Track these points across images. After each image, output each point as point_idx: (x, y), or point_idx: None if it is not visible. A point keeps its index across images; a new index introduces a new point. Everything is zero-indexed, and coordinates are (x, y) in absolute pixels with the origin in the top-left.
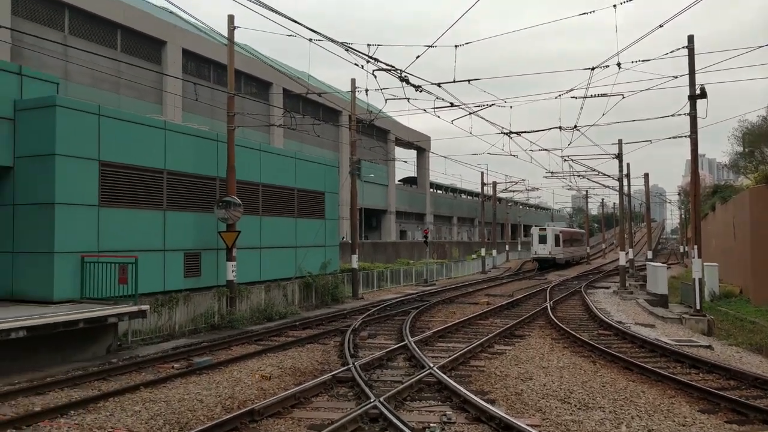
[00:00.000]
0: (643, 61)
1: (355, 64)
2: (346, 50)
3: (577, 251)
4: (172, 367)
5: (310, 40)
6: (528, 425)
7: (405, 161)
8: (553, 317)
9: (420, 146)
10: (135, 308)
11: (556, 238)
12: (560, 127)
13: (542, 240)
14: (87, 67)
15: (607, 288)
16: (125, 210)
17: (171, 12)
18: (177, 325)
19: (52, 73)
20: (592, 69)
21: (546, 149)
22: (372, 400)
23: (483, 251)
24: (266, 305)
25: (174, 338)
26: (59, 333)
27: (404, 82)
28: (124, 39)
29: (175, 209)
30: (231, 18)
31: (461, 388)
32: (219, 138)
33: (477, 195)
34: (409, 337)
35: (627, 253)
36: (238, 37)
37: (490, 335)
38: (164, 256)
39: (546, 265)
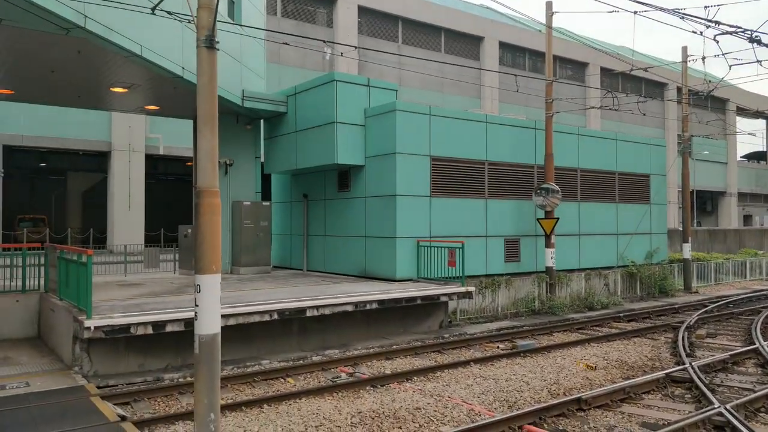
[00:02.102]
0: None
1: (692, 32)
2: (681, 18)
3: None
4: (498, 347)
5: (636, 12)
6: None
7: (752, 134)
8: None
9: None
10: (463, 289)
11: None
12: None
13: None
14: (416, 72)
15: None
16: (452, 199)
17: (488, 8)
18: (499, 307)
19: (389, 80)
20: None
21: None
22: (716, 406)
23: None
24: (587, 294)
25: (497, 320)
26: (401, 307)
27: (755, 43)
28: (446, 40)
29: (495, 197)
30: (549, 4)
31: None
32: (536, 126)
33: None
34: (761, 340)
35: None
36: (554, 21)
37: None
38: (486, 242)
39: None
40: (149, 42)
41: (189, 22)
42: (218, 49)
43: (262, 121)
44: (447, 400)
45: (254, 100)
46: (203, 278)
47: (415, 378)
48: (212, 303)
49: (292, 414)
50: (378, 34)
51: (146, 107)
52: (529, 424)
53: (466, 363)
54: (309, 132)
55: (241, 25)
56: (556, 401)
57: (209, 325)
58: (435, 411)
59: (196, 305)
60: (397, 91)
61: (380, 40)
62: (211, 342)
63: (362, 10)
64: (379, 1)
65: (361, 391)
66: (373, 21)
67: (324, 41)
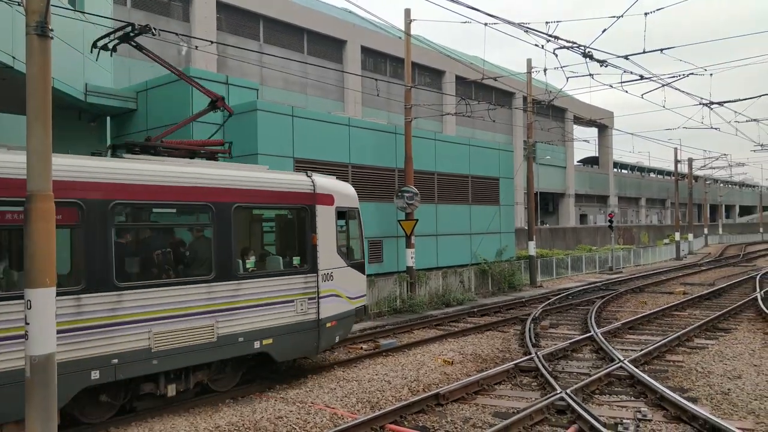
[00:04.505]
0: None
1: (535, 45)
2: (525, 31)
3: None
4: (361, 348)
5: (486, 24)
6: (739, 428)
7: (586, 141)
8: (764, 309)
9: (602, 123)
10: None
11: None
12: None
13: None
14: (279, 71)
15: None
16: None
17: (350, 12)
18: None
19: (250, 79)
20: None
21: (755, 119)
22: (558, 392)
23: (677, 235)
24: (444, 291)
25: (361, 320)
26: None
27: (588, 58)
28: (309, 42)
29: (359, 200)
30: (407, 11)
31: (657, 384)
32: (397, 130)
33: (669, 173)
34: (595, 328)
35: None
36: (413, 28)
37: (689, 328)
38: None
39: None
40: None
41: (19, 5)
42: (52, 38)
43: (108, 118)
44: (310, 407)
45: (99, 95)
46: (35, 293)
47: (278, 386)
48: (46, 319)
49: None
50: (239, 31)
51: None
52: (390, 423)
53: (329, 367)
54: (162, 131)
55: (83, 13)
56: (415, 398)
57: (43, 344)
58: (297, 419)
59: (27, 323)
60: (258, 90)
61: (241, 38)
62: (46, 363)
63: (221, 6)
64: None
65: (220, 404)
66: (234, 18)
67: (177, 34)
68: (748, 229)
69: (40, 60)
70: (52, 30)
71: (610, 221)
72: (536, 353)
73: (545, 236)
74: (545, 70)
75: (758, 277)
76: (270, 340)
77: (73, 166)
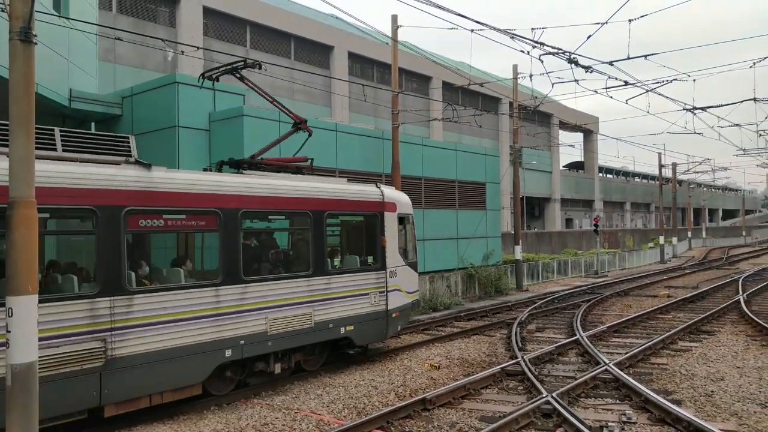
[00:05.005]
0: None
1: (521, 51)
2: (511, 38)
3: None
4: (349, 353)
5: (472, 30)
6: (722, 430)
7: (572, 146)
8: (747, 311)
9: (587, 128)
10: None
11: None
12: (755, 99)
13: None
14: (266, 75)
15: None
16: None
17: (337, 18)
18: None
19: (237, 85)
20: None
21: (738, 124)
22: (544, 395)
23: (661, 239)
24: (431, 295)
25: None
26: None
27: (573, 64)
28: (296, 47)
29: None
30: (395, 18)
31: (642, 387)
32: (384, 136)
33: (653, 178)
34: (581, 332)
35: None
36: (400, 35)
37: (673, 331)
38: None
39: None
40: None
41: (2, 10)
42: (36, 43)
43: (93, 124)
44: (296, 413)
45: (84, 100)
46: (17, 300)
47: (263, 393)
48: (29, 327)
49: None
50: (225, 37)
51: None
52: (377, 429)
53: (315, 372)
54: (148, 136)
55: (68, 18)
56: (402, 403)
57: (25, 352)
58: (284, 425)
59: (8, 331)
60: (244, 96)
61: (228, 44)
62: (27, 372)
63: (208, 12)
64: (226, 3)
65: (205, 411)
66: (220, 23)
67: (164, 40)
68: (731, 232)
69: (23, 66)
70: (35, 35)
71: (596, 225)
72: (522, 357)
73: (531, 240)
74: (531, 76)
75: (741, 279)
76: (351, 327)
77: (213, 181)
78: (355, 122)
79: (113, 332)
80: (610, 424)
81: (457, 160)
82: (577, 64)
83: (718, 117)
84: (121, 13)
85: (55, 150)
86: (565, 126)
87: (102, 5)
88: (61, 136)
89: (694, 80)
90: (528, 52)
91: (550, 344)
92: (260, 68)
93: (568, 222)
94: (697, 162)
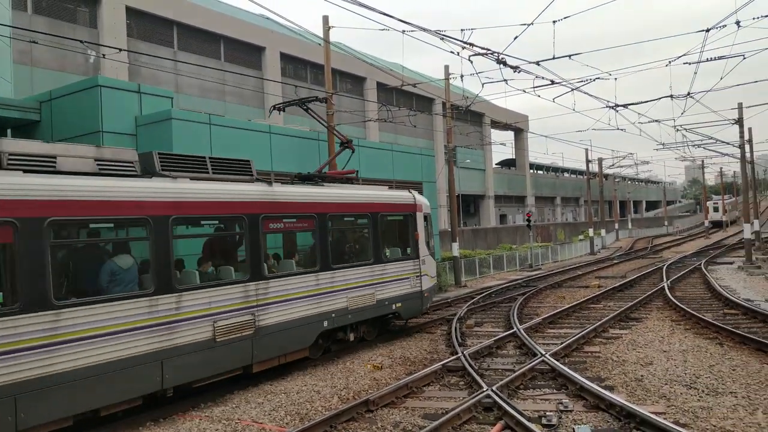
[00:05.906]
0: (765, 16)
1: (451, 52)
2: (441, 39)
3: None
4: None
5: (403, 31)
6: (652, 413)
7: (503, 144)
8: (671, 297)
9: (518, 127)
10: None
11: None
12: (672, 96)
13: (716, 209)
14: (196, 78)
15: (731, 263)
16: None
17: (268, 18)
18: None
19: (165, 88)
20: (707, 31)
21: (657, 120)
22: (485, 389)
23: (590, 231)
24: None
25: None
26: None
27: (502, 65)
28: (226, 48)
29: None
30: (326, 18)
31: (577, 375)
32: (319, 137)
33: (581, 173)
34: (518, 324)
35: (752, 225)
36: (332, 35)
37: (604, 319)
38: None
39: (717, 225)
40: None
41: None
42: None
43: (9, 130)
44: (237, 423)
45: None
46: None
47: (202, 404)
48: None
49: None
50: (151, 38)
51: None
52: None
53: (255, 380)
54: (69, 142)
55: None
56: (345, 407)
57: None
58: None
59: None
60: (173, 98)
61: (153, 45)
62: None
63: (131, 12)
64: (150, 3)
65: (140, 427)
66: (145, 24)
67: (84, 42)
68: (655, 222)
69: None
70: None
71: (528, 220)
72: (463, 352)
73: (468, 237)
74: (462, 76)
75: (665, 267)
76: (400, 304)
77: (311, 193)
78: (290, 123)
79: (258, 308)
80: (548, 413)
81: (393, 160)
82: (505, 64)
83: (639, 114)
84: (38, 14)
85: (207, 173)
86: (496, 125)
87: (16, 5)
88: (210, 161)
89: (616, 79)
90: (458, 53)
91: (489, 338)
92: (325, 102)
93: (503, 218)
94: (621, 156)
